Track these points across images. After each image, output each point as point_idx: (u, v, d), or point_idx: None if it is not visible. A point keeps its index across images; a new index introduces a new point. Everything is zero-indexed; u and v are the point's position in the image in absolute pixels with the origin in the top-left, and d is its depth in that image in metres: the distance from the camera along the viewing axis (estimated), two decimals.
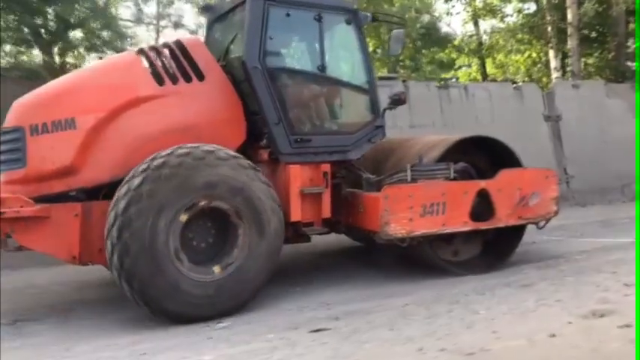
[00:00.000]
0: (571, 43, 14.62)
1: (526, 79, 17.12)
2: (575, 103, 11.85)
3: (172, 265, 4.40)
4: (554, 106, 11.64)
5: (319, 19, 5.48)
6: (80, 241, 4.67)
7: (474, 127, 9.18)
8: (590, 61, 16.44)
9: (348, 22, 5.66)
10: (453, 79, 14.23)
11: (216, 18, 6.05)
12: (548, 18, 15.78)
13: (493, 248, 6.12)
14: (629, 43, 14.57)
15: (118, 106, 4.83)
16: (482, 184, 5.73)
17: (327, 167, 5.46)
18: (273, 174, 5.39)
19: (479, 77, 18.73)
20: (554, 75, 15.31)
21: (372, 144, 5.81)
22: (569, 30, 14.57)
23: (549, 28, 15.76)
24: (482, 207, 5.73)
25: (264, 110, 5.19)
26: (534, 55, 17.50)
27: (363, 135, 5.71)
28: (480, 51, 18.24)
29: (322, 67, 5.50)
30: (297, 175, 5.29)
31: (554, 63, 15.68)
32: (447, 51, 19.16)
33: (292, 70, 5.93)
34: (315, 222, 5.46)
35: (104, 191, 4.84)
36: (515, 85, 11.79)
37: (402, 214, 5.29)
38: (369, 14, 5.86)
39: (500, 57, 18.47)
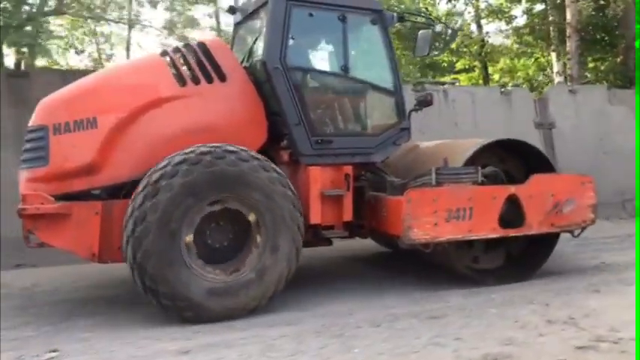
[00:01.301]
0: (570, 45, 13.69)
1: (526, 84, 16.02)
2: (571, 110, 10.95)
3: (184, 263, 4.40)
4: (548, 112, 10.76)
5: (343, 20, 5.39)
6: (100, 239, 4.72)
7: (454, 134, 8.43)
8: (604, 66, 15.41)
9: (374, 23, 5.55)
10: (456, 83, 13.23)
11: (241, 19, 6.05)
12: (551, 18, 14.94)
13: (523, 258, 5.88)
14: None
15: (139, 107, 4.87)
16: (512, 189, 5.51)
17: (348, 169, 5.35)
18: (294, 175, 5.32)
19: (481, 82, 17.69)
20: (557, 79, 14.40)
21: (397, 146, 5.67)
22: (568, 31, 13.66)
23: (551, 30, 14.91)
24: (513, 213, 5.51)
25: (284, 111, 5.13)
26: (542, 59, 16.53)
27: (388, 137, 5.58)
28: (481, 54, 17.16)
29: (345, 68, 5.40)
30: (318, 177, 5.20)
31: (556, 67, 14.78)
32: (444, 55, 18.02)
33: (314, 71, 5.85)
34: (336, 225, 5.35)
35: (125, 190, 4.88)
36: (503, 90, 10.95)
37: (426, 218, 5.12)
38: (395, 14, 5.74)
39: (505, 61, 17.39)
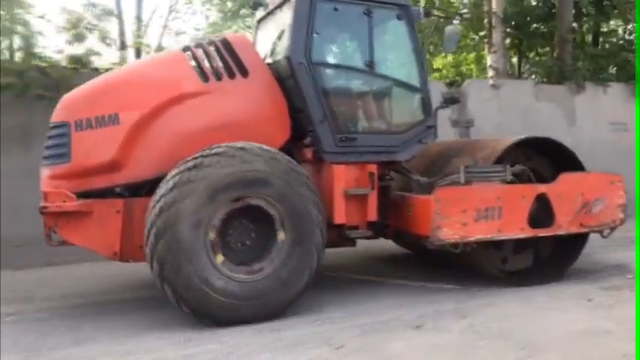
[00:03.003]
0: (495, 36, 12.83)
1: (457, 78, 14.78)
2: (493, 107, 10.26)
3: (206, 257, 4.29)
4: (466, 109, 9.99)
5: (369, 14, 5.29)
6: (121, 238, 4.65)
7: None
8: (540, 61, 14.51)
9: (399, 18, 5.43)
10: None
11: (265, 15, 5.95)
12: (485, 9, 13.80)
13: (550, 259, 5.75)
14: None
15: (161, 103, 4.78)
16: (542, 188, 5.38)
17: (373, 168, 5.22)
18: (317, 174, 5.22)
19: None
20: (490, 74, 13.20)
21: (423, 145, 5.54)
22: (494, 20, 12.81)
23: (485, 21, 13.77)
24: (542, 213, 5.37)
25: (308, 107, 5.03)
26: (483, 52, 15.28)
27: (413, 135, 5.45)
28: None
29: (371, 64, 5.28)
30: (342, 176, 5.09)
31: (489, 60, 13.58)
32: None
33: (339, 67, 5.74)
34: (360, 225, 5.22)
35: (147, 188, 4.79)
36: None
37: (455, 217, 5.00)
38: (421, 9, 5.62)
39: (448, 55, 16.08)
